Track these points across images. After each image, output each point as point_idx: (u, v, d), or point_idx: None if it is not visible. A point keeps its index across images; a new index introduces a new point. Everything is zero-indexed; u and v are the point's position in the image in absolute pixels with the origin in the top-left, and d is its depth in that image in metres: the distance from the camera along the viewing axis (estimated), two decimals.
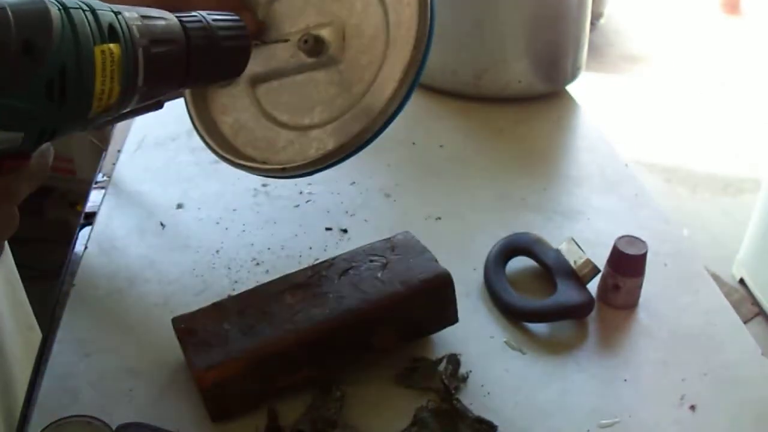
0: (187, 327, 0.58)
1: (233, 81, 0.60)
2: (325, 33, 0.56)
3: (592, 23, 1.13)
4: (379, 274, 0.60)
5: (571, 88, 1.12)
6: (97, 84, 0.38)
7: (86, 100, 0.38)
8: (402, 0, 0.53)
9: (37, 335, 0.80)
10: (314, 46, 0.55)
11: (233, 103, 0.61)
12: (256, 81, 0.59)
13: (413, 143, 0.96)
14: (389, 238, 0.65)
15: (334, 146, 0.54)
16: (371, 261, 0.62)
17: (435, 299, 0.61)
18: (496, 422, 0.55)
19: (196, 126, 0.62)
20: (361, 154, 0.56)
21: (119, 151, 0.91)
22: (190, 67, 0.45)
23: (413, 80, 0.52)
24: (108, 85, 0.38)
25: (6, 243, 0.74)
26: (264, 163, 0.58)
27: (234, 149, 0.61)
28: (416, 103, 1.06)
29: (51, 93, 0.36)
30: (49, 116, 0.37)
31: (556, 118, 1.06)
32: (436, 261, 0.62)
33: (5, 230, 0.42)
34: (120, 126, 0.99)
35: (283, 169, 0.57)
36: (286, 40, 0.56)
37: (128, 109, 0.43)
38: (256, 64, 0.53)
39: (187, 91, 0.62)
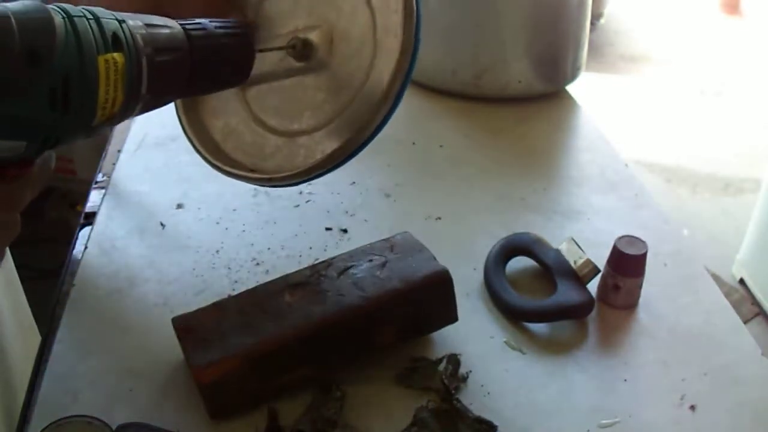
0: (187, 326, 0.58)
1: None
2: (313, 36, 0.56)
3: (592, 23, 1.13)
4: (378, 273, 0.60)
5: (571, 88, 1.12)
6: (100, 93, 0.38)
7: (90, 109, 0.38)
8: (389, 5, 0.52)
9: (36, 336, 0.80)
10: (302, 50, 0.56)
11: (224, 107, 0.61)
12: (247, 84, 0.59)
13: (413, 143, 0.96)
14: (388, 238, 0.65)
15: (321, 156, 0.54)
16: (370, 260, 0.62)
17: (434, 297, 0.61)
18: (496, 422, 0.55)
19: (186, 129, 0.62)
20: (361, 153, 0.56)
21: (119, 151, 0.91)
22: (193, 75, 0.45)
23: (399, 89, 0.52)
24: (112, 94, 0.38)
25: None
26: (252, 170, 0.58)
27: (223, 154, 0.61)
28: (416, 103, 1.07)
29: (54, 101, 0.36)
30: (52, 125, 0.37)
31: (556, 118, 1.06)
32: (435, 259, 0.62)
33: (7, 236, 0.42)
34: (120, 126, 0.99)
35: (270, 179, 0.57)
36: (282, 48, 0.56)
37: (131, 116, 0.43)
38: None
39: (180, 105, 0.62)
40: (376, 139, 0.55)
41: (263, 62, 0.57)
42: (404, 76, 0.52)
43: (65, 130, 0.38)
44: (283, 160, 0.58)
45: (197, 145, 0.61)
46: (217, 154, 0.61)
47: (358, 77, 0.54)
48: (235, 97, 0.60)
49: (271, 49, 0.56)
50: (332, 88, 0.56)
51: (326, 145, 0.55)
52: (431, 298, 0.61)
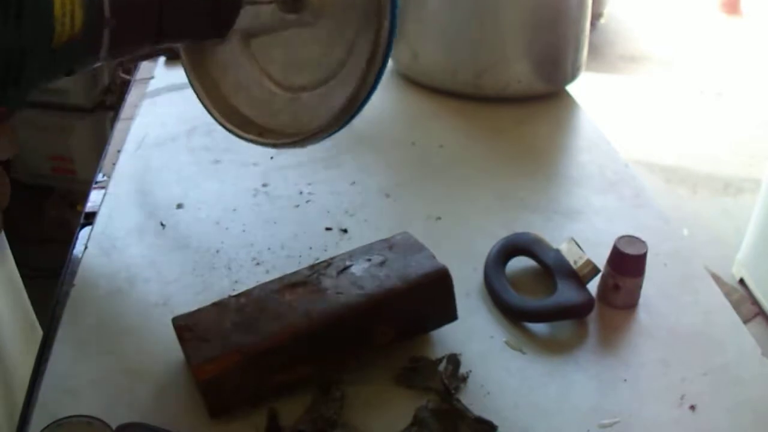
0: (187, 325, 0.58)
1: (224, 39, 0.60)
2: None
3: (592, 23, 1.13)
4: (377, 271, 0.60)
5: (571, 88, 1.12)
6: (56, 4, 0.36)
7: (46, 22, 0.36)
8: None
9: (39, 334, 0.79)
10: (292, 2, 0.56)
11: (232, 60, 0.61)
12: (248, 36, 0.60)
13: (413, 143, 0.96)
14: (387, 239, 0.65)
15: (320, 123, 0.56)
16: (369, 259, 0.62)
17: (433, 294, 0.61)
18: (496, 422, 0.55)
19: (194, 84, 0.62)
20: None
21: (119, 151, 0.91)
22: (165, 11, 0.44)
23: (386, 47, 0.52)
24: (69, 8, 0.37)
25: (6, 243, 0.74)
26: (260, 133, 0.60)
27: (233, 108, 0.61)
28: (416, 103, 1.07)
29: (6, 13, 0.35)
30: (8, 40, 0.36)
31: (556, 118, 1.06)
32: (434, 257, 0.62)
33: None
34: (120, 126, 0.99)
35: (275, 144, 0.59)
36: (271, 2, 0.56)
37: (104, 52, 0.41)
38: (244, 20, 0.54)
39: (183, 50, 0.62)
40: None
41: (258, 14, 0.58)
42: (387, 37, 0.52)
43: (25, 47, 0.36)
44: (289, 118, 0.59)
45: (207, 103, 0.62)
46: (227, 111, 0.62)
47: (349, 32, 0.54)
48: (241, 50, 0.61)
49: (258, 2, 0.57)
50: (327, 42, 0.56)
51: (327, 104, 0.56)
52: (430, 296, 0.61)
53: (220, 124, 0.64)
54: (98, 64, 0.43)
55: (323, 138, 0.58)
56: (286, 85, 0.59)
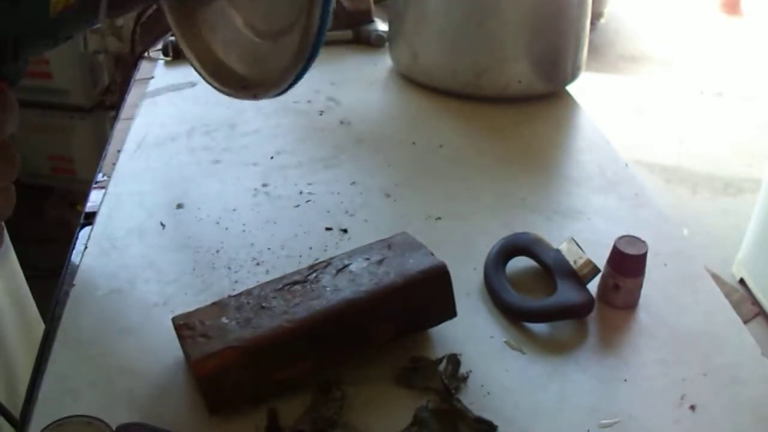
0: (187, 324, 0.58)
1: None
2: None
3: (592, 23, 1.13)
4: (375, 269, 0.61)
5: (571, 88, 1.12)
6: None
7: None
8: None
9: (41, 333, 0.80)
10: None
11: (219, 20, 0.61)
12: None
13: (413, 143, 0.96)
14: (386, 239, 0.65)
15: (283, 64, 0.54)
16: (368, 258, 0.62)
17: (432, 291, 0.61)
18: (496, 422, 0.55)
19: (183, 45, 0.62)
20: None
21: (119, 151, 0.91)
22: None
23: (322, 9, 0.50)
24: None
25: (8, 238, 0.74)
26: (245, 86, 0.59)
27: (226, 67, 0.61)
28: (416, 103, 1.07)
29: None
30: (5, 16, 0.35)
31: (556, 118, 1.06)
32: (433, 255, 0.62)
33: (5, 173, 0.40)
34: (120, 126, 0.99)
35: (255, 95, 0.58)
36: None
37: (102, 14, 0.40)
38: None
39: (174, 24, 0.62)
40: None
41: None
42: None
43: (22, 23, 0.36)
44: (272, 65, 0.58)
45: (193, 59, 0.62)
46: (218, 69, 0.61)
47: None
48: (227, 5, 0.60)
49: None
50: None
51: (292, 49, 0.54)
52: (429, 292, 0.61)
53: (216, 88, 0.62)
54: (98, 26, 0.42)
55: (290, 81, 0.55)
56: (268, 33, 0.58)
